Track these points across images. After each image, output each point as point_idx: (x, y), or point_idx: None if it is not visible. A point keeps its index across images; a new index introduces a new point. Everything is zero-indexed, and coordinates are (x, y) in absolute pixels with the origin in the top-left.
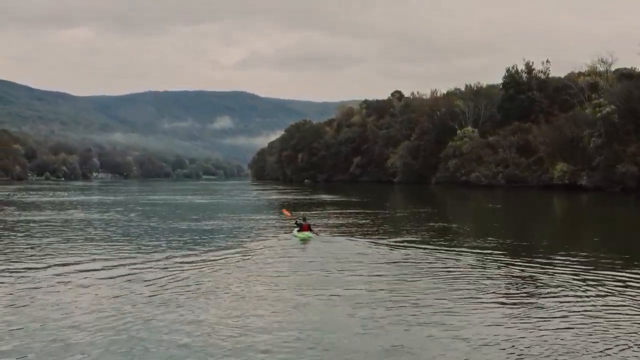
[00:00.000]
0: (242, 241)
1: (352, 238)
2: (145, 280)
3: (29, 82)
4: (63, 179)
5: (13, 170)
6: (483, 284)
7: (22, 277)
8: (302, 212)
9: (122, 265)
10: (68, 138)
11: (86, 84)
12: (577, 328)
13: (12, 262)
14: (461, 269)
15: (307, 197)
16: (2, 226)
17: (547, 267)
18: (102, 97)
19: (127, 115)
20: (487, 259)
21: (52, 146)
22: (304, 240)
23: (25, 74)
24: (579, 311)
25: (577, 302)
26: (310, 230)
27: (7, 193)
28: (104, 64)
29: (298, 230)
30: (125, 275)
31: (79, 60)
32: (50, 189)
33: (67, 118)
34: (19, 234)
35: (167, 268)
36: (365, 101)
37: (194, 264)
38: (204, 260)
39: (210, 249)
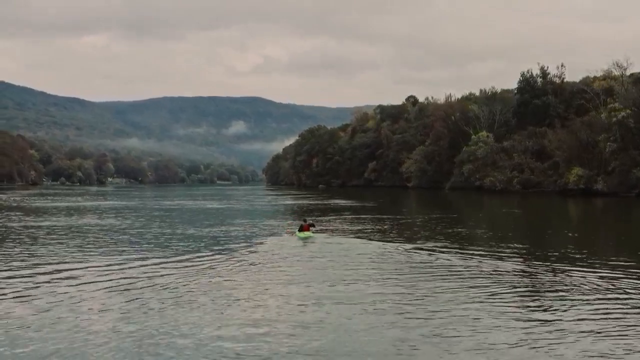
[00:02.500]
0: (253, 245)
1: (369, 243)
2: (156, 286)
3: (45, 88)
4: (78, 184)
5: (28, 175)
6: (506, 292)
7: (36, 283)
8: (317, 218)
9: (135, 271)
10: (83, 143)
11: (102, 89)
12: (607, 336)
13: (25, 268)
14: (482, 276)
15: (323, 202)
16: (15, 232)
17: (570, 273)
18: (117, 102)
19: (142, 121)
20: (507, 265)
21: (67, 151)
22: (305, 239)
23: (42, 80)
24: (609, 319)
25: (606, 310)
26: (310, 230)
27: (19, 198)
28: (120, 70)
29: (299, 231)
30: (139, 280)
31: (94, 67)
32: (65, 194)
33: (83, 123)
34: (33, 240)
35: (179, 273)
36: (380, 106)
37: (206, 269)
38: (214, 265)
39: (221, 253)
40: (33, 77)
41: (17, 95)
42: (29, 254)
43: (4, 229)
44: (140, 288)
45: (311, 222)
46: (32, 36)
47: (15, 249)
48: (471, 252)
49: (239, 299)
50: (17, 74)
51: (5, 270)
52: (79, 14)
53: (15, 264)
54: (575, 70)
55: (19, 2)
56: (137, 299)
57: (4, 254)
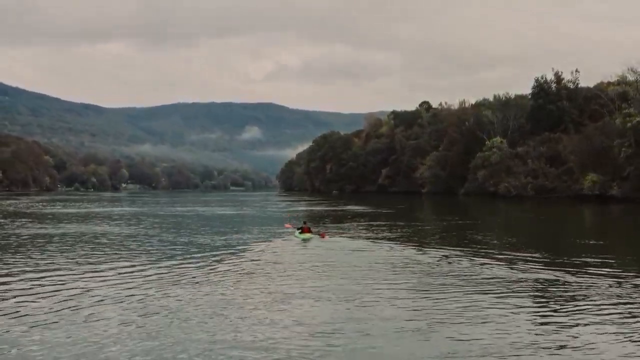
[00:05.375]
0: (267, 252)
1: (388, 250)
2: (162, 295)
3: (59, 94)
4: (92, 190)
5: (43, 181)
6: (536, 303)
7: (46, 291)
8: (333, 224)
9: (143, 278)
10: (98, 149)
11: (115, 96)
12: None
13: (35, 276)
14: (510, 286)
15: (338, 209)
16: (26, 239)
17: (598, 282)
18: (131, 108)
19: (155, 127)
20: (538, 274)
21: (81, 157)
22: (305, 240)
23: (56, 86)
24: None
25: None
26: (310, 232)
27: (33, 204)
28: (134, 76)
29: (300, 232)
30: (147, 288)
31: (108, 73)
32: (79, 200)
33: (97, 130)
34: (42, 248)
35: (190, 279)
36: (394, 112)
37: (215, 274)
38: (227, 273)
39: (235, 261)
40: (48, 83)
41: (32, 102)
42: (35, 261)
43: (15, 236)
44: (149, 295)
45: (309, 226)
46: (46, 43)
47: (23, 257)
48: (493, 259)
49: (253, 310)
50: (31, 80)
51: (13, 281)
52: (94, 22)
53: (22, 272)
54: (600, 78)
55: (34, 10)
56: (145, 307)
57: (10, 262)
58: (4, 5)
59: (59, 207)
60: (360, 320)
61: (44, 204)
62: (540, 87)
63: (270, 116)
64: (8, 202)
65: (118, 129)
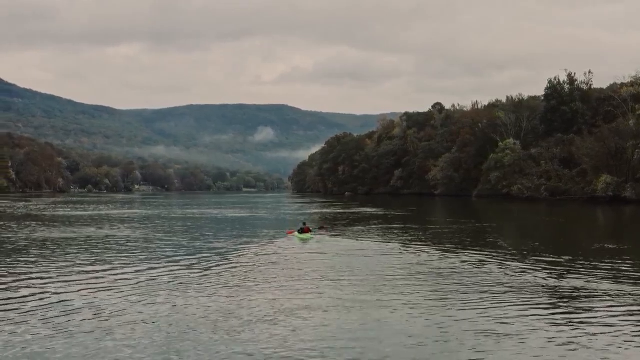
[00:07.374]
0: (275, 257)
1: (402, 254)
2: (166, 297)
3: (73, 96)
4: (105, 191)
5: (56, 182)
6: (550, 311)
7: (53, 295)
8: (347, 227)
9: (151, 282)
10: (111, 151)
11: (129, 98)
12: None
13: (44, 280)
14: (522, 291)
15: (352, 211)
16: (31, 242)
17: (614, 287)
18: (144, 110)
19: (168, 129)
20: (550, 277)
21: (95, 159)
22: (304, 240)
23: (70, 89)
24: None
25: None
26: (310, 232)
27: (45, 206)
28: (147, 78)
29: (300, 232)
30: (154, 292)
31: (122, 76)
32: (92, 202)
33: (110, 131)
34: (56, 251)
35: (199, 285)
36: (406, 114)
37: (225, 281)
38: (234, 276)
39: (240, 264)
40: (61, 86)
41: (45, 104)
42: (42, 266)
43: (23, 240)
44: (157, 302)
45: (309, 227)
46: (60, 47)
47: (31, 262)
48: (513, 264)
49: (258, 321)
50: (45, 83)
51: (22, 285)
52: (107, 25)
53: (28, 276)
54: (613, 79)
55: (48, 13)
56: (148, 314)
57: (18, 266)
58: (15, 9)
59: (69, 209)
60: (375, 338)
61: (56, 206)
62: (554, 89)
63: (283, 118)
64: (21, 204)
65: (131, 131)
